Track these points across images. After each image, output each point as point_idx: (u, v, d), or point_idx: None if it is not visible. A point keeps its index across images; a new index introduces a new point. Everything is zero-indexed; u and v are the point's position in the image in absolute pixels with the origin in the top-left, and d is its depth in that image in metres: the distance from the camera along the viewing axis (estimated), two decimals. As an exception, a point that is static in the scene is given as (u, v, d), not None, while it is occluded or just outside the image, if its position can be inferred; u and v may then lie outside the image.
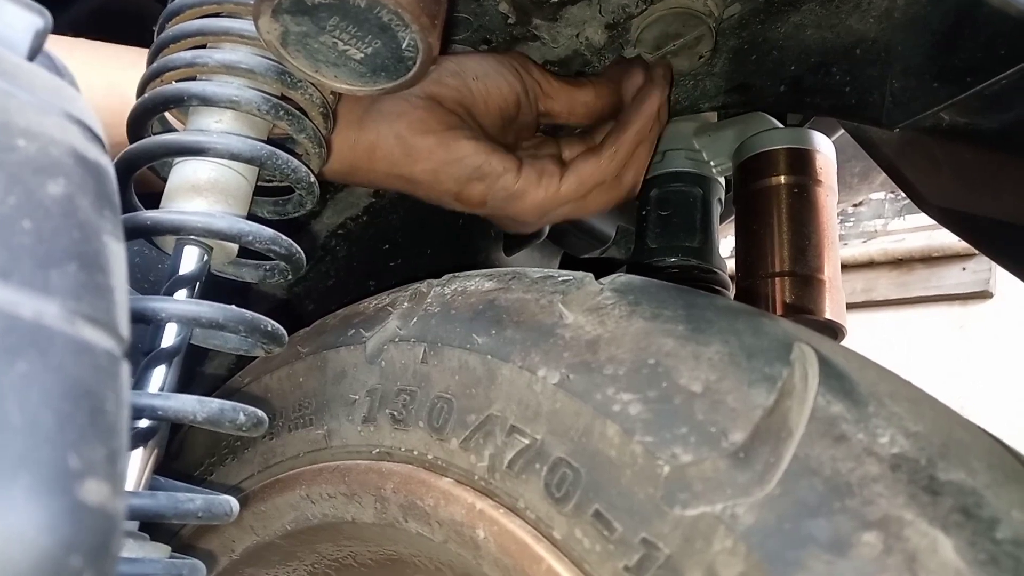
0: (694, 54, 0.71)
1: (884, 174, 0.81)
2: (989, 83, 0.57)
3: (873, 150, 0.78)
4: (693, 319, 0.45)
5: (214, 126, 0.48)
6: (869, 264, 3.16)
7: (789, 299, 0.79)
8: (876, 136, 0.75)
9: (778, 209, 0.82)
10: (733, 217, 0.90)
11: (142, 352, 0.46)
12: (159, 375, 0.45)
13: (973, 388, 2.71)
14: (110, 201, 0.23)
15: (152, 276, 0.67)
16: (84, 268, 0.21)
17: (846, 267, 3.00)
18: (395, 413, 0.52)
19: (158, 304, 0.45)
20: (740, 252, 0.85)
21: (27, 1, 0.27)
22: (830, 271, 0.81)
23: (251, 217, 0.50)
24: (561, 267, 1.13)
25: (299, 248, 0.50)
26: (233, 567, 0.62)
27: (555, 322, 0.47)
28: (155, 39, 0.50)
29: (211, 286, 0.49)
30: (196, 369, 0.81)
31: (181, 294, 0.47)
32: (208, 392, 0.54)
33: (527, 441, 0.45)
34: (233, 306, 0.46)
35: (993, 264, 2.58)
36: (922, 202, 0.75)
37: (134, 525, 0.44)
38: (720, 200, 0.90)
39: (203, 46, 0.49)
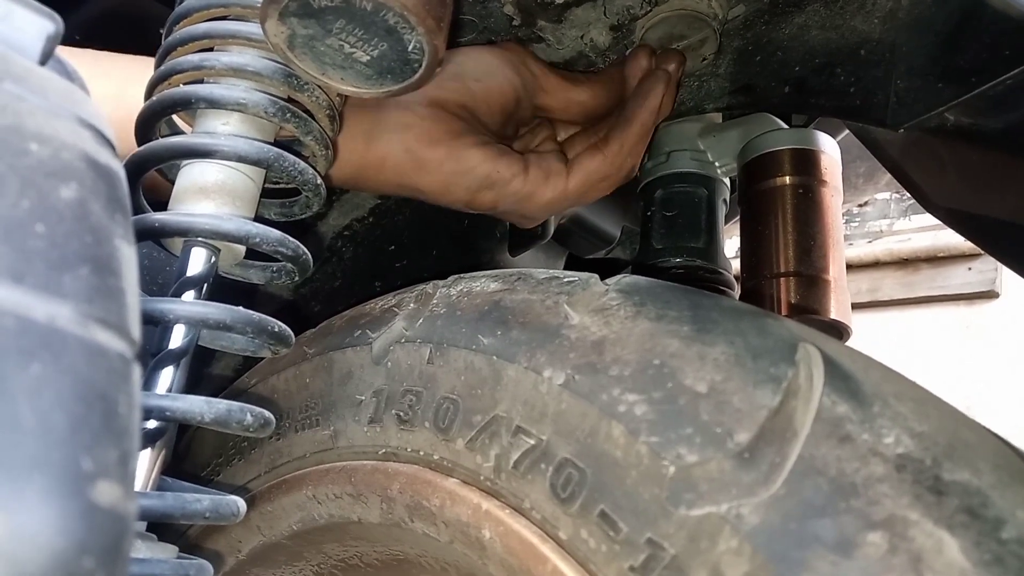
0: (698, 56, 0.71)
1: (889, 174, 0.81)
2: (993, 83, 0.57)
3: (878, 151, 0.78)
4: (698, 320, 0.45)
5: (221, 128, 0.48)
6: (874, 264, 3.16)
7: (794, 299, 0.80)
8: (881, 137, 0.75)
9: (783, 209, 0.82)
10: (738, 218, 0.90)
11: (150, 353, 0.46)
12: (167, 376, 0.46)
13: (979, 388, 2.70)
14: (121, 205, 0.24)
15: (160, 278, 0.67)
16: (96, 271, 0.21)
17: (851, 267, 3.00)
18: (401, 414, 0.52)
19: (166, 306, 0.45)
20: (745, 252, 0.85)
21: (38, 5, 0.27)
22: (835, 271, 0.81)
23: (258, 219, 0.50)
24: (566, 267, 1.13)
25: (306, 250, 0.50)
26: (240, 567, 0.62)
27: (560, 323, 0.48)
28: (162, 42, 0.50)
29: (218, 287, 0.49)
30: (203, 370, 0.81)
31: (189, 295, 0.47)
32: (215, 393, 0.54)
33: (533, 441, 0.45)
34: (240, 307, 0.46)
35: (999, 264, 2.58)
36: (927, 203, 0.75)
37: (142, 525, 0.44)
38: (725, 201, 0.91)
39: (210, 49, 0.49)
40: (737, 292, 0.88)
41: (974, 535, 0.34)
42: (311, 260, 0.51)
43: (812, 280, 0.80)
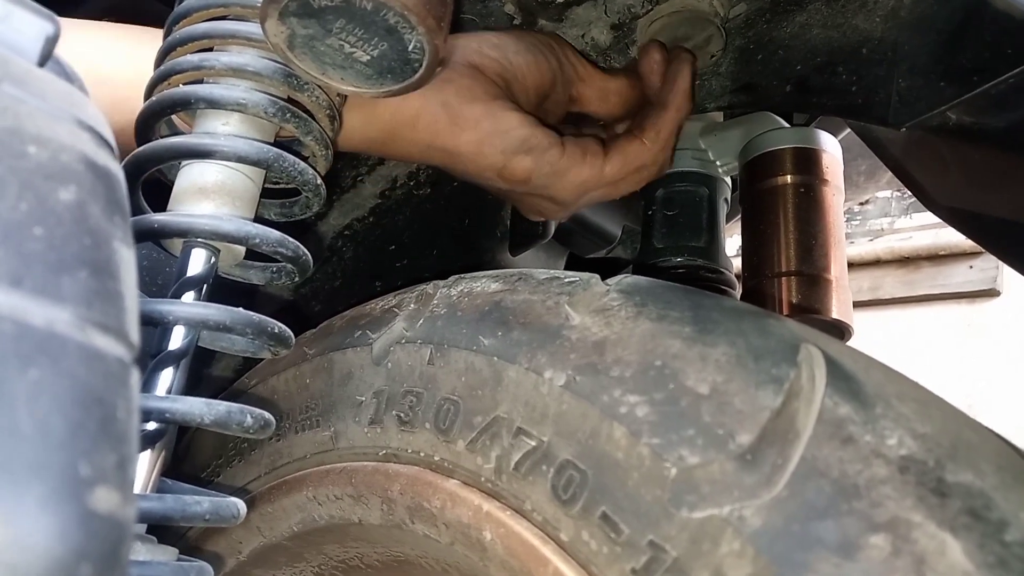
0: (705, 54, 0.71)
1: (891, 172, 0.81)
2: (995, 82, 0.57)
3: (880, 149, 0.78)
4: (699, 320, 0.45)
5: (221, 129, 0.48)
6: (876, 262, 3.15)
7: (796, 299, 0.79)
8: (883, 135, 0.75)
9: (784, 209, 0.82)
10: (739, 217, 0.90)
11: (150, 354, 0.46)
12: (167, 377, 0.46)
13: (980, 386, 2.70)
14: (120, 207, 0.23)
15: (160, 279, 0.67)
16: (95, 275, 0.21)
17: (853, 265, 3.00)
18: (402, 415, 0.52)
19: (166, 307, 0.45)
20: (746, 252, 0.85)
21: (37, 7, 0.27)
22: (836, 270, 0.81)
23: (258, 219, 0.50)
24: (567, 267, 1.13)
25: (306, 250, 0.50)
26: (240, 568, 0.62)
27: (561, 324, 0.47)
28: (162, 42, 0.50)
29: (218, 288, 0.49)
30: (203, 371, 0.81)
31: (189, 296, 0.47)
32: (215, 394, 0.54)
33: (534, 443, 0.45)
34: (240, 308, 0.46)
35: (1000, 262, 2.58)
36: (929, 201, 0.75)
37: (142, 528, 0.44)
38: (726, 200, 0.90)
39: (210, 49, 0.49)
40: (738, 291, 0.88)
41: (977, 537, 0.34)
42: (311, 260, 0.51)
43: (814, 279, 0.80)
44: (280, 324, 0.48)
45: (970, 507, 0.35)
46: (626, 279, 0.49)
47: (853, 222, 3.30)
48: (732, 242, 0.98)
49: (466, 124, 0.59)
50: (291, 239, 0.49)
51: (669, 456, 0.40)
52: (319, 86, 0.49)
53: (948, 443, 0.38)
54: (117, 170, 0.25)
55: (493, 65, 0.61)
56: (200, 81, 0.49)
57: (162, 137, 0.50)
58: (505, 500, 0.46)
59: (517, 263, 1.01)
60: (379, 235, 0.87)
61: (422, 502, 0.49)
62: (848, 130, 0.95)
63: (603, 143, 0.65)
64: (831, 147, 0.84)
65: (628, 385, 0.43)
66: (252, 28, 0.47)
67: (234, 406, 0.45)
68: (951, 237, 2.93)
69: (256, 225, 0.47)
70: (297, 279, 0.53)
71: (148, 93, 0.50)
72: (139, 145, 0.48)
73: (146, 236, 0.46)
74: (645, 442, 0.41)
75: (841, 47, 0.68)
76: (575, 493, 0.42)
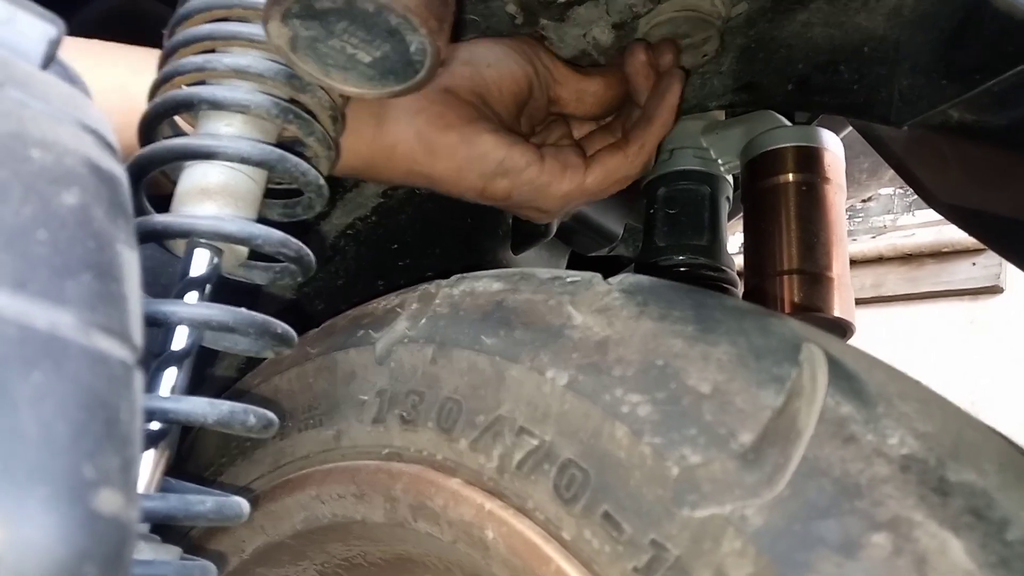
0: (699, 52, 0.71)
1: (892, 170, 0.81)
2: (997, 80, 0.57)
3: (882, 147, 0.78)
4: (701, 319, 0.45)
5: (224, 130, 0.48)
6: (878, 260, 3.15)
7: (798, 297, 0.79)
8: (885, 134, 0.75)
9: (786, 207, 0.82)
10: (741, 215, 0.90)
11: (153, 354, 0.46)
12: (170, 377, 0.46)
13: (983, 383, 2.70)
14: (124, 210, 0.24)
15: (163, 279, 0.67)
16: (99, 278, 0.21)
17: (855, 263, 2.99)
18: (404, 414, 0.52)
19: (169, 307, 0.45)
20: (748, 250, 0.85)
21: (40, 9, 0.27)
22: (839, 268, 0.81)
23: (261, 220, 0.50)
24: (569, 265, 1.13)
25: (308, 250, 0.50)
26: (244, 567, 0.63)
27: (564, 323, 0.47)
28: (165, 43, 0.50)
29: (221, 288, 0.49)
30: (206, 370, 0.81)
31: (192, 297, 0.47)
32: (218, 393, 0.54)
33: (536, 442, 0.45)
34: (243, 309, 0.46)
35: (1003, 259, 2.57)
36: (931, 199, 0.75)
37: (145, 527, 0.44)
38: (728, 198, 0.91)
39: (213, 51, 0.49)
40: (740, 290, 0.88)
41: (979, 536, 0.34)
42: (314, 260, 0.51)
43: (815, 278, 0.80)
44: (283, 324, 0.48)
45: (972, 506, 0.35)
46: (628, 278, 0.49)
47: (856, 219, 3.30)
48: (734, 240, 0.98)
49: (441, 152, 0.60)
50: (294, 239, 0.49)
51: (671, 455, 0.40)
52: (322, 87, 0.50)
53: (950, 442, 0.38)
54: (120, 173, 0.25)
55: (465, 83, 0.62)
56: (203, 83, 0.49)
57: (165, 138, 0.50)
58: (507, 499, 0.46)
59: (519, 262, 1.01)
60: (382, 234, 0.87)
61: (425, 501, 0.50)
62: (850, 128, 0.95)
63: (584, 153, 0.66)
64: (833, 145, 0.84)
65: (630, 384, 0.43)
66: (255, 30, 0.47)
67: (237, 406, 0.45)
68: (954, 234, 2.92)
69: (259, 226, 0.47)
70: (300, 279, 0.53)
71: (152, 94, 0.50)
72: (143, 146, 0.48)
73: (149, 237, 0.46)
74: (647, 441, 0.41)
75: (843, 46, 0.68)
76: (577, 492, 0.43)
